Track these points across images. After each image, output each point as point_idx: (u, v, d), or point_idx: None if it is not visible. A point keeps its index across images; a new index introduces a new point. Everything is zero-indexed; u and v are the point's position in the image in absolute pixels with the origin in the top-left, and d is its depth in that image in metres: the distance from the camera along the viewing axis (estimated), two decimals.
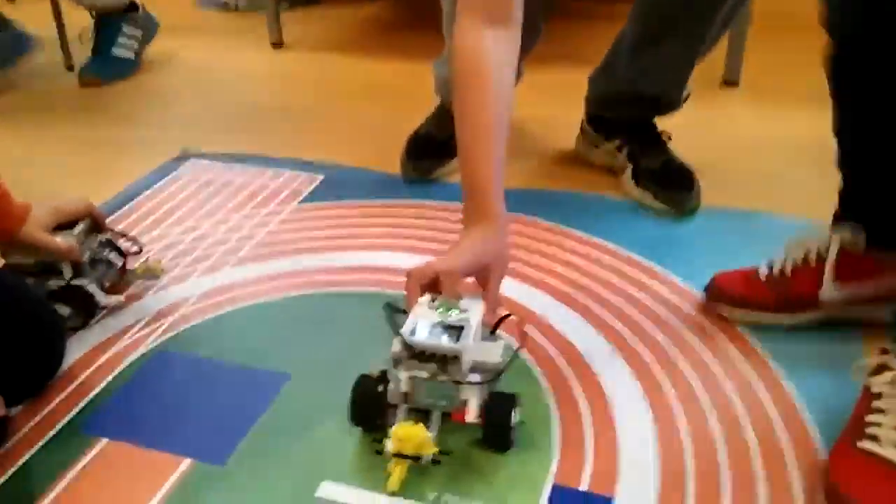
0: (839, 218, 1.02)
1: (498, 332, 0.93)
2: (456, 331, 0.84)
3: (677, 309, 1.09)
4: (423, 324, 0.86)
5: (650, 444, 0.87)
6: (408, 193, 1.40)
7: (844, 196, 1.01)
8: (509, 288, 1.10)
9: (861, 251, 0.97)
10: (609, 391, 0.95)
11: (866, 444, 0.79)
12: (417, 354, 0.83)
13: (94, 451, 0.89)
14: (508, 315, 0.91)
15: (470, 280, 0.93)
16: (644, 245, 1.22)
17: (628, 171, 1.37)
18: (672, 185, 1.32)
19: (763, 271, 1.04)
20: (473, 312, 0.87)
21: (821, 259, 1.00)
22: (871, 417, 0.81)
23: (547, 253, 1.22)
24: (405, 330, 0.84)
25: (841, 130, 0.98)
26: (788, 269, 1.02)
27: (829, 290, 0.99)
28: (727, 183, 1.37)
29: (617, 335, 1.04)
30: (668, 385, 0.95)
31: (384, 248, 1.25)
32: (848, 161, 0.99)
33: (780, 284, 1.02)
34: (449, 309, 0.87)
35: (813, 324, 1.02)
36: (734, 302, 1.04)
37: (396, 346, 0.84)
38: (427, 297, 0.89)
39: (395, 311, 0.86)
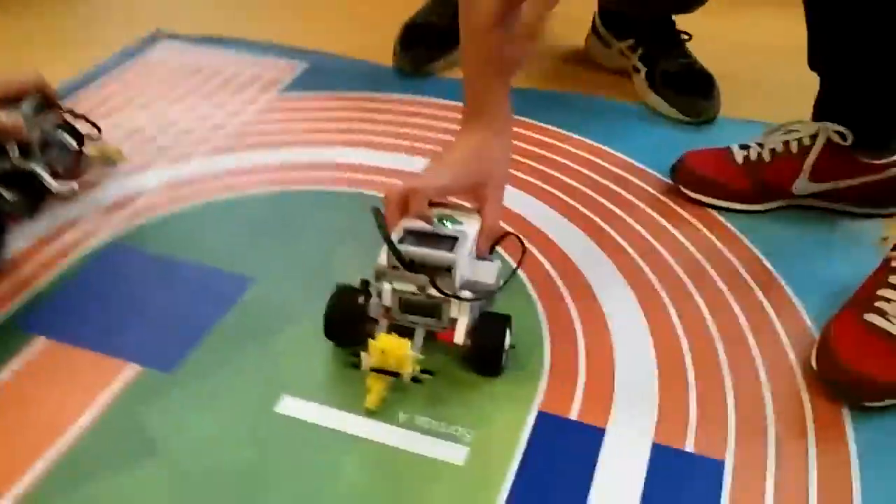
0: (818, 117, 0.99)
1: (496, 250, 0.83)
2: (450, 241, 0.75)
3: (688, 226, 0.99)
4: (413, 232, 0.76)
5: (648, 372, 0.78)
6: (400, 88, 1.28)
7: (823, 97, 0.98)
8: (506, 195, 1.00)
9: (847, 147, 0.94)
10: (608, 313, 0.85)
11: (873, 318, 0.75)
12: (405, 265, 0.73)
13: (31, 350, 0.80)
14: (509, 233, 0.81)
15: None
16: (655, 155, 1.11)
17: (642, 74, 1.25)
18: (690, 90, 1.20)
19: (738, 154, 1.00)
20: (470, 225, 0.77)
21: (802, 150, 0.96)
22: (882, 292, 0.77)
23: (549, 159, 1.11)
24: (394, 236, 0.74)
25: (816, 25, 0.93)
26: (767, 156, 0.98)
27: (804, 183, 0.96)
28: (750, 92, 1.25)
29: (622, 253, 0.94)
30: (671, 307, 0.86)
31: (368, 147, 1.13)
32: (825, 60, 0.94)
33: (759, 172, 0.98)
34: (443, 220, 0.77)
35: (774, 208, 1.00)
36: (708, 189, 1.00)
37: (383, 256, 0.75)
38: None
39: (384, 218, 0.76)
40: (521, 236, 0.79)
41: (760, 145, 0.99)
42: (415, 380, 0.74)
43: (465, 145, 0.83)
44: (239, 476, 0.68)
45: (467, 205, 0.83)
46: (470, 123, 0.84)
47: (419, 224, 0.77)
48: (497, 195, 0.83)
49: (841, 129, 0.94)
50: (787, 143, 0.97)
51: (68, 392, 0.76)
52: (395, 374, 0.73)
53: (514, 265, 0.80)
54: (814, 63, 0.95)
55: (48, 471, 0.68)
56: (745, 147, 1.01)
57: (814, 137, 0.96)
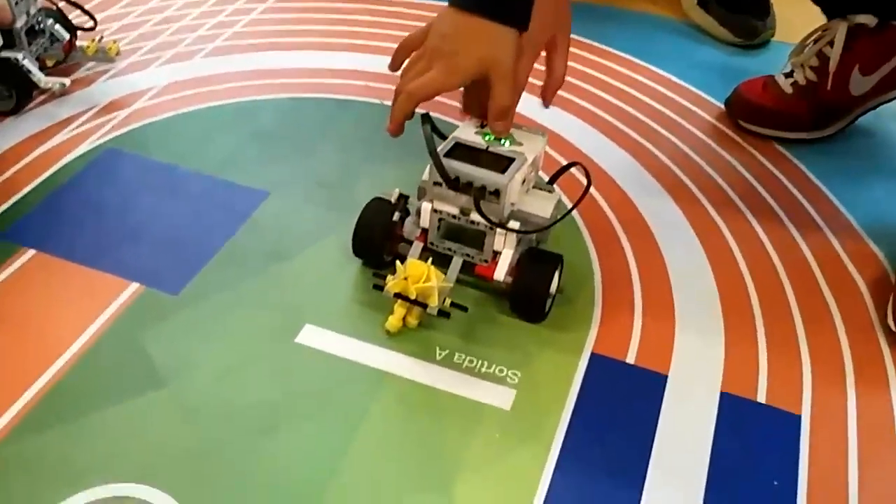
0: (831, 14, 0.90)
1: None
2: (503, 162, 0.65)
3: (743, 152, 0.90)
4: (463, 147, 0.67)
5: (711, 314, 0.70)
6: None
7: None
8: (549, 117, 0.90)
9: (874, 27, 0.85)
10: (664, 247, 0.77)
11: None
12: (449, 183, 0.64)
13: (21, 265, 0.71)
14: (575, 163, 0.71)
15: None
16: (705, 77, 1.02)
17: None
18: (743, 9, 1.09)
19: (786, 84, 0.92)
20: (530, 148, 0.67)
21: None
22: None
23: (591, 77, 1.01)
24: (441, 149, 0.65)
25: None
26: (812, 75, 0.89)
27: (858, 80, 0.87)
28: (808, 14, 1.15)
29: (674, 179, 0.85)
30: (732, 241, 0.78)
31: (386, 53, 1.02)
32: None
33: (814, 94, 0.89)
34: (500, 137, 0.68)
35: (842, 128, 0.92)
36: (768, 121, 0.91)
37: (427, 172, 0.66)
38: (475, 120, 0.70)
39: (435, 130, 0.66)
40: (587, 169, 0.69)
41: (802, 67, 0.91)
42: (442, 313, 0.65)
43: None
44: (256, 412, 0.60)
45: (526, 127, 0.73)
46: None
47: (473, 137, 0.68)
48: (567, 41, 0.71)
49: (859, 16, 0.85)
50: (820, 52, 0.89)
51: (62, 312, 0.67)
52: (422, 305, 0.65)
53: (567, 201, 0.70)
54: None
55: (43, 396, 0.60)
56: (789, 75, 0.92)
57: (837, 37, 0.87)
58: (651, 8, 1.17)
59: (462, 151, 0.66)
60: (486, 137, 0.68)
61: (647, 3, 1.18)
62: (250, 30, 1.06)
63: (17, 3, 0.86)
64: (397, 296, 0.65)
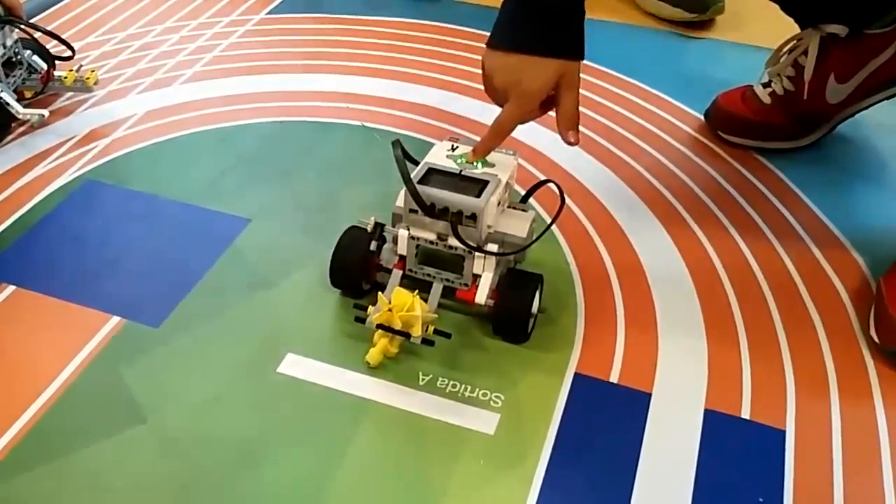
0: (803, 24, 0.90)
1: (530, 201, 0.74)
2: (478, 186, 0.65)
3: (722, 162, 0.90)
4: (437, 173, 0.67)
5: (694, 329, 0.70)
6: (402, 10, 1.17)
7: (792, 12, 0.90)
8: (525, 132, 0.91)
9: (845, 37, 0.85)
10: (646, 263, 0.77)
11: None
12: (425, 209, 0.64)
13: None
14: (547, 181, 0.71)
15: None
16: (682, 88, 1.02)
17: None
18: None
19: (763, 94, 0.92)
20: (502, 169, 0.68)
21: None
22: None
23: None
24: (415, 175, 0.65)
25: None
26: (790, 85, 0.89)
27: (834, 88, 0.87)
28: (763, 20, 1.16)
29: (655, 192, 0.85)
30: (714, 254, 0.78)
31: (367, 74, 1.02)
32: None
33: (792, 104, 0.89)
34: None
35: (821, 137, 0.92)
36: (749, 132, 0.92)
37: (401, 198, 0.66)
38: (447, 142, 0.70)
39: (406, 155, 0.66)
40: (559, 185, 0.69)
41: (779, 76, 0.91)
42: (426, 342, 0.65)
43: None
44: (238, 444, 0.60)
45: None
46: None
47: (445, 162, 0.68)
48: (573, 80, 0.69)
49: (830, 26, 0.85)
50: (796, 62, 0.89)
51: (43, 348, 0.67)
52: (405, 335, 0.64)
53: (547, 218, 0.70)
54: None
55: (23, 435, 0.60)
56: (766, 85, 0.92)
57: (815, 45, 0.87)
58: (609, 16, 1.16)
59: (436, 177, 0.66)
60: (460, 160, 0.68)
61: (604, 12, 1.17)
62: (230, 54, 1.06)
63: None
64: (380, 327, 0.65)
